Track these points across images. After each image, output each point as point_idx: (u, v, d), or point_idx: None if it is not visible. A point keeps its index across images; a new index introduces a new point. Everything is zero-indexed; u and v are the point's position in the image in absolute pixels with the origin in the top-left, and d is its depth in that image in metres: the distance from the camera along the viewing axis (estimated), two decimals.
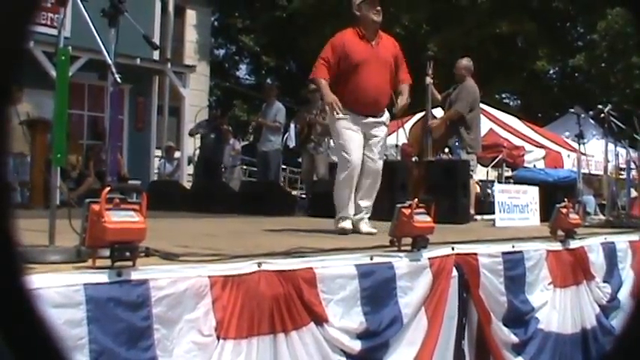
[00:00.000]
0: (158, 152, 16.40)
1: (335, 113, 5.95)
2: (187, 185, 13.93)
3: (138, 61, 13.17)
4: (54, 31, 11.35)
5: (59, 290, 2.62)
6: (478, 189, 11.83)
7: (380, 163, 6.25)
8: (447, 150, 9.71)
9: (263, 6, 31.53)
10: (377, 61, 6.14)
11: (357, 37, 6.17)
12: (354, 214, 6.12)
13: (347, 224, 6.02)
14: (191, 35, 26.92)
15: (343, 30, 6.34)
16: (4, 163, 1.29)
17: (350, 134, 6.04)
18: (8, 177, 9.30)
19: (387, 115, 6.33)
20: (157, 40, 14.03)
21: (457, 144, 9.46)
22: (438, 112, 10.26)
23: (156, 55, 14.00)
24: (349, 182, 6.02)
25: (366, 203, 6.17)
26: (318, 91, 11.47)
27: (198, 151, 14.59)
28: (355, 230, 6.05)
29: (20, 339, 1.32)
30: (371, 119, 6.15)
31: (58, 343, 1.47)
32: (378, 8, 6.18)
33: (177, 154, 16.14)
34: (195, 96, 19.46)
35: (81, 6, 3.33)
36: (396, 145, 11.21)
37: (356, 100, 6.04)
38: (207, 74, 27.08)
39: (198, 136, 14.54)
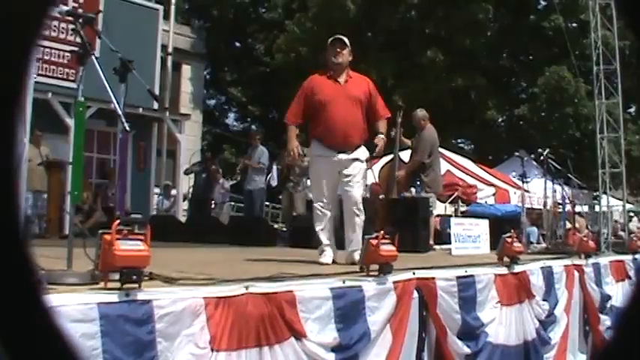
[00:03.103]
0: (157, 190, 16.36)
1: (293, 159, 5.72)
2: (182, 219, 13.92)
3: (140, 110, 13.19)
4: (68, 84, 11.34)
5: (77, 308, 2.66)
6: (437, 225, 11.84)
7: (357, 195, 5.88)
8: (412, 189, 9.80)
9: (249, 62, 31.81)
10: (345, 98, 5.84)
11: (325, 78, 5.93)
12: (346, 248, 5.83)
13: (325, 259, 5.75)
14: (186, 87, 27.07)
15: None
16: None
17: (322, 173, 5.84)
18: (27, 211, 9.32)
19: (362, 150, 5.95)
20: (156, 91, 14.08)
21: (419, 184, 9.58)
22: (405, 154, 10.42)
23: (155, 104, 14.02)
24: (322, 218, 5.81)
25: (352, 236, 5.80)
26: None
27: (191, 189, 14.61)
28: (352, 262, 5.54)
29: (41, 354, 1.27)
30: (344, 156, 5.82)
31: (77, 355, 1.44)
32: (338, 50, 5.91)
33: (173, 192, 16.10)
34: (190, 141, 19.49)
35: (96, 64, 3.42)
36: (366, 185, 11.27)
37: (326, 135, 5.81)
38: (200, 121, 27.18)
39: (192, 175, 14.57)
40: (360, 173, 5.98)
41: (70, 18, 3.75)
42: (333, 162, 5.85)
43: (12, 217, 1.27)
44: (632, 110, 26.61)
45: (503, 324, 5.86)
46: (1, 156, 1.26)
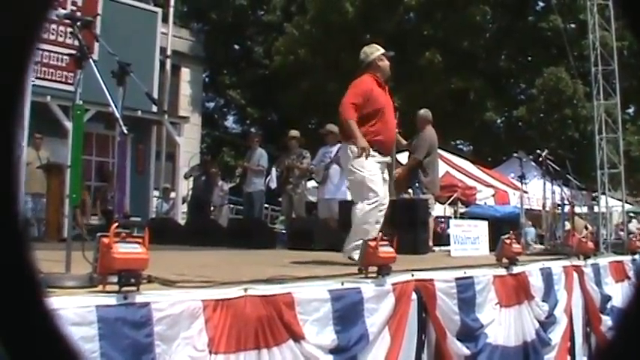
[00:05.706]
0: (156, 193, 16.36)
1: (364, 157, 5.60)
2: (181, 222, 13.93)
3: (139, 113, 13.18)
4: (67, 87, 11.35)
5: (75, 311, 2.66)
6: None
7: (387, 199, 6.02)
8: (410, 191, 9.79)
9: (248, 65, 31.85)
10: (391, 105, 6.12)
11: (377, 84, 6.02)
12: None
13: None
14: (185, 90, 27.11)
15: (362, 76, 6.06)
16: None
17: (377, 172, 5.81)
18: (27, 214, 9.33)
19: None
20: (155, 94, 14.09)
21: (417, 185, 9.57)
22: (403, 156, 10.41)
23: (154, 107, 14.03)
24: (376, 216, 5.71)
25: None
26: (295, 139, 11.71)
27: (191, 192, 14.62)
28: None
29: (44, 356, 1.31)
30: (387, 159, 6.06)
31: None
32: (390, 62, 6.18)
33: (172, 195, 16.11)
34: (189, 143, 19.50)
35: (94, 68, 3.42)
36: None
37: (382, 141, 5.88)
38: (199, 124, 27.21)
39: (191, 178, 14.59)
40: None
41: (68, 21, 3.75)
42: (387, 165, 6.06)
43: (13, 220, 1.28)
44: (630, 111, 26.66)
45: (502, 325, 5.86)
46: (1, 160, 1.26)
